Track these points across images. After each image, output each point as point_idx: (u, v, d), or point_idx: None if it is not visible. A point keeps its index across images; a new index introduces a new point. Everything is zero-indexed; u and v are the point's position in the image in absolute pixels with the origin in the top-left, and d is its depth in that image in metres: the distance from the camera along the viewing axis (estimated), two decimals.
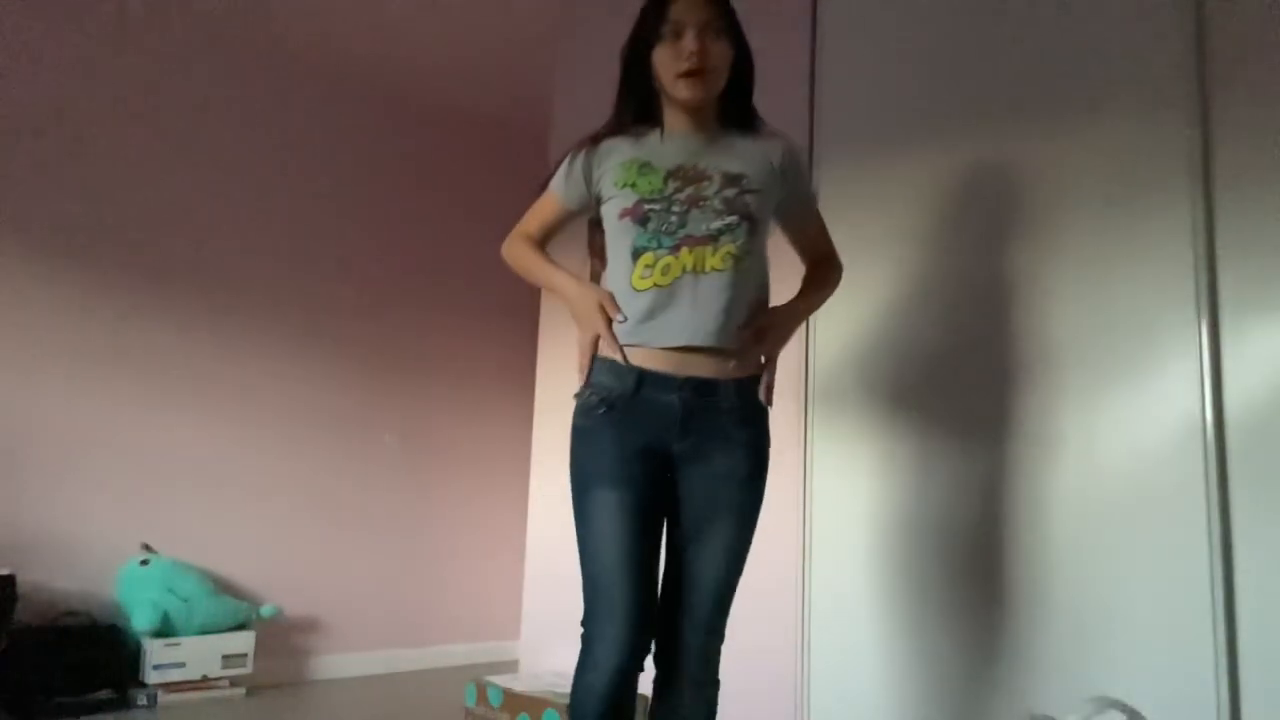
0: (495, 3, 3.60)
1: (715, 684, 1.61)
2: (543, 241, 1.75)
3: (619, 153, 1.63)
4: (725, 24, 1.60)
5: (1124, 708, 1.51)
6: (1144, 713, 1.52)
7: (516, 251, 1.75)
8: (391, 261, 4.27)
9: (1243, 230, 1.85)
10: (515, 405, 4.38)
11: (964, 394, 2.19)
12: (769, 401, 1.64)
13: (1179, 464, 1.85)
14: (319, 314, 4.00)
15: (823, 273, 1.80)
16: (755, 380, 1.63)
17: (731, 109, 1.67)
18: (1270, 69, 1.85)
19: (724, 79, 1.62)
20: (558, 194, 1.70)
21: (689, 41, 1.56)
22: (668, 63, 1.59)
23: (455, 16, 3.72)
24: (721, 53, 1.59)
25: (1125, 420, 1.94)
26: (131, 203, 3.52)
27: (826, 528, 2.40)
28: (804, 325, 2.49)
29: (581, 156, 1.66)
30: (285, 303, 3.90)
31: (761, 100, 2.75)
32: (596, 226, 1.70)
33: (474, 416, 4.50)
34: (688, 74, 1.57)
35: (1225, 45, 1.91)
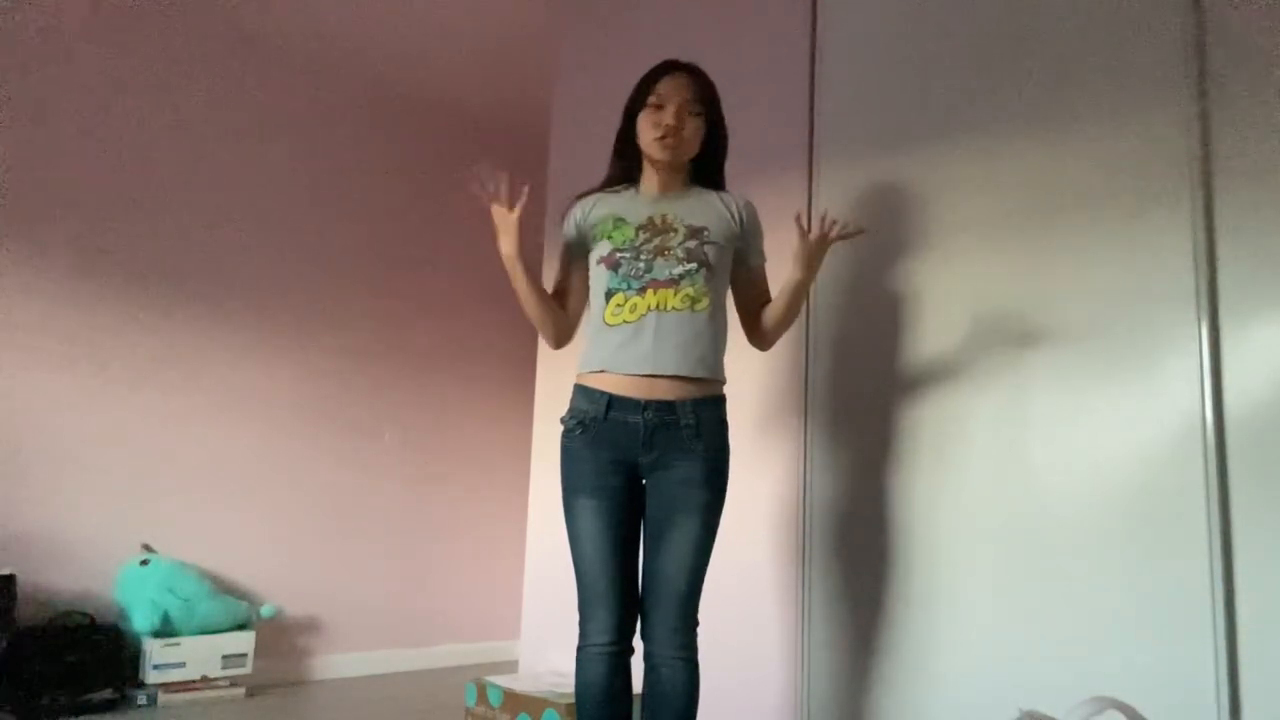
0: (497, 1, 3.61)
1: (692, 660, 1.80)
2: (556, 289, 2.03)
3: (601, 208, 1.93)
4: (703, 106, 1.90)
5: (1124, 708, 1.51)
6: (1144, 713, 1.52)
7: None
8: (393, 261, 4.27)
9: (1243, 230, 1.85)
10: (515, 404, 4.38)
11: (964, 393, 2.19)
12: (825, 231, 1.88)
13: (1179, 464, 1.85)
14: (320, 314, 4.00)
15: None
16: (709, 401, 1.86)
17: (702, 174, 1.97)
18: (1270, 69, 1.85)
19: (695, 148, 1.91)
20: (561, 239, 2.02)
21: (667, 114, 1.86)
22: (647, 127, 1.89)
23: (457, 14, 3.72)
24: (695, 127, 1.90)
25: (1125, 420, 1.94)
26: (131, 202, 3.51)
27: (826, 527, 2.40)
28: (804, 323, 2.49)
29: (575, 211, 1.98)
30: (286, 302, 3.91)
31: (762, 102, 2.76)
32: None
33: (474, 415, 4.50)
34: (661, 138, 1.86)
35: (1225, 45, 1.91)
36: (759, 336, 2.04)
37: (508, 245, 1.92)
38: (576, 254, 1.99)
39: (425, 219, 4.40)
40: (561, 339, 2.03)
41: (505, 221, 1.92)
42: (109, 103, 3.48)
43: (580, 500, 1.83)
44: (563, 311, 2.01)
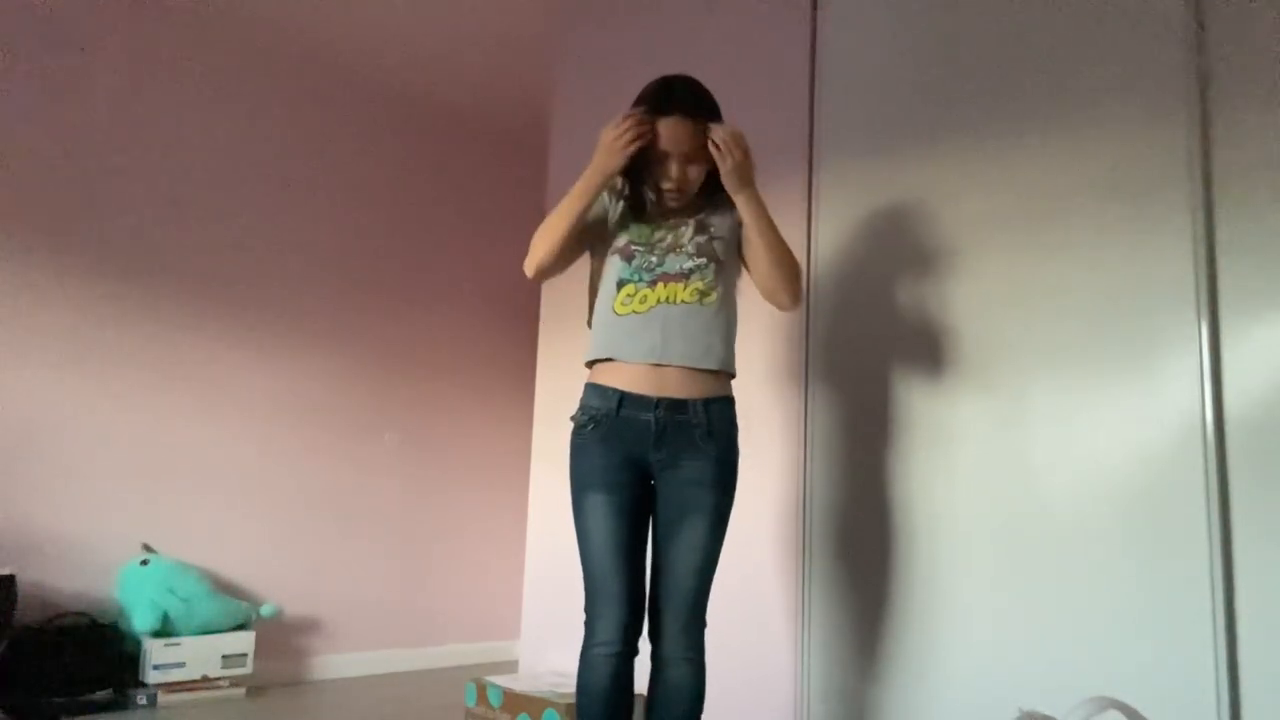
0: (496, 2, 3.61)
1: (699, 661, 1.81)
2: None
3: (622, 208, 1.94)
4: (704, 143, 1.84)
5: (1124, 708, 1.51)
6: (1144, 713, 1.52)
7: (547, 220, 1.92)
8: (394, 262, 4.27)
9: (1243, 230, 1.85)
10: (516, 405, 4.38)
11: (964, 392, 2.19)
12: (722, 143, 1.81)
13: (1179, 464, 1.86)
14: (320, 314, 4.00)
15: None
16: (719, 400, 1.86)
17: (709, 182, 1.93)
18: (1270, 69, 1.85)
19: (698, 185, 1.90)
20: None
21: (672, 169, 1.86)
22: (654, 174, 1.88)
23: (457, 15, 3.72)
24: (698, 172, 1.89)
25: (1125, 420, 1.95)
26: (132, 201, 3.51)
27: (827, 527, 2.40)
28: (804, 323, 2.49)
29: (615, 195, 1.96)
30: (287, 303, 3.90)
31: (762, 102, 2.75)
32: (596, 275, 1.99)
33: (475, 416, 4.50)
34: (663, 194, 1.88)
35: (1225, 46, 1.91)
36: (771, 289, 1.92)
37: (615, 163, 1.82)
38: (597, 218, 1.93)
39: (425, 219, 4.39)
40: (546, 267, 1.91)
41: (630, 147, 1.81)
42: (116, 108, 3.48)
43: (591, 496, 1.81)
44: (569, 249, 1.92)
